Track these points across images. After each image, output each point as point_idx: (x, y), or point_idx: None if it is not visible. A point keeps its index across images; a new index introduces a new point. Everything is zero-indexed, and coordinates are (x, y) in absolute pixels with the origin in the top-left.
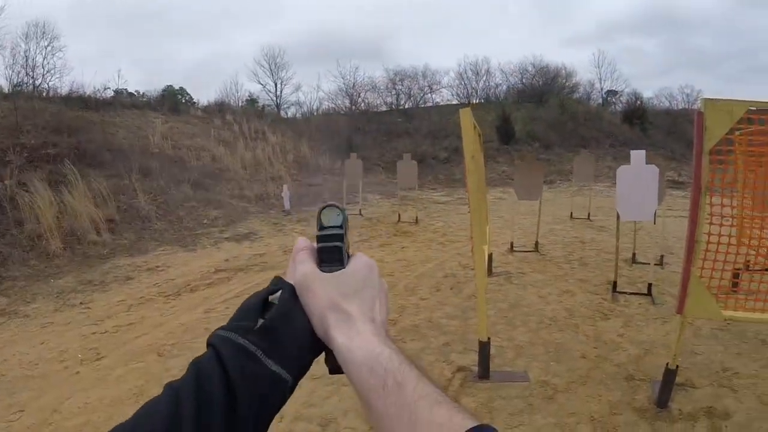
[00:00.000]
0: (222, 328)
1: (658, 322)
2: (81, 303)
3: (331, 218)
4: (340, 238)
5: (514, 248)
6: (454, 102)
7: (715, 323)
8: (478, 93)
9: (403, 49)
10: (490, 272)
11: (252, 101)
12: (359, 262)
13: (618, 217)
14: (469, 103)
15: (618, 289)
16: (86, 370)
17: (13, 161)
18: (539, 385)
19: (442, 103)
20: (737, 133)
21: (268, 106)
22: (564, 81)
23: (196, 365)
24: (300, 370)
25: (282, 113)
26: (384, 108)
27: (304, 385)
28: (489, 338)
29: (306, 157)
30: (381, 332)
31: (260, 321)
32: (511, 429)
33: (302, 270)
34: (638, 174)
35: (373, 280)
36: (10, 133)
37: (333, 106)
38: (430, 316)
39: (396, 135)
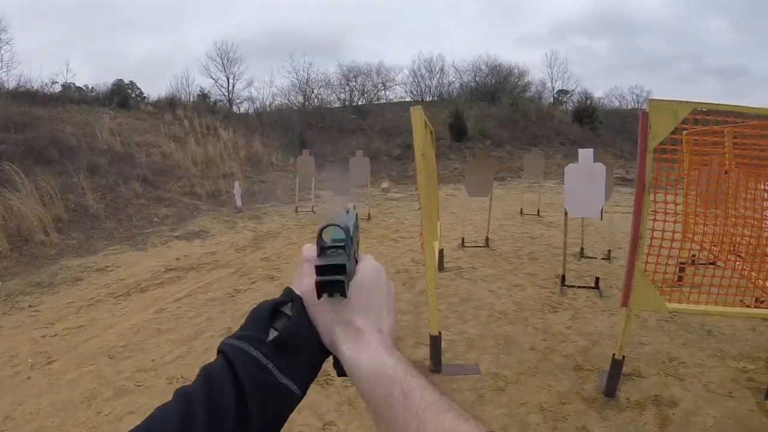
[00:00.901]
0: (234, 336)
1: (605, 314)
2: (30, 306)
3: (334, 239)
4: (343, 269)
5: (465, 244)
6: (408, 99)
7: (661, 315)
8: (432, 91)
9: (357, 46)
10: (441, 268)
11: (203, 96)
12: (367, 270)
13: (566, 213)
14: (422, 100)
15: (566, 283)
16: (37, 375)
17: None
18: (490, 377)
19: (395, 101)
20: (684, 133)
21: (220, 101)
22: (516, 80)
23: (206, 373)
24: (308, 382)
25: (234, 109)
26: (338, 104)
27: None
28: (440, 332)
29: (258, 153)
30: (387, 342)
31: (271, 332)
32: None
33: (309, 284)
34: (586, 172)
35: (380, 288)
36: None
37: (286, 101)
38: None
39: (349, 132)
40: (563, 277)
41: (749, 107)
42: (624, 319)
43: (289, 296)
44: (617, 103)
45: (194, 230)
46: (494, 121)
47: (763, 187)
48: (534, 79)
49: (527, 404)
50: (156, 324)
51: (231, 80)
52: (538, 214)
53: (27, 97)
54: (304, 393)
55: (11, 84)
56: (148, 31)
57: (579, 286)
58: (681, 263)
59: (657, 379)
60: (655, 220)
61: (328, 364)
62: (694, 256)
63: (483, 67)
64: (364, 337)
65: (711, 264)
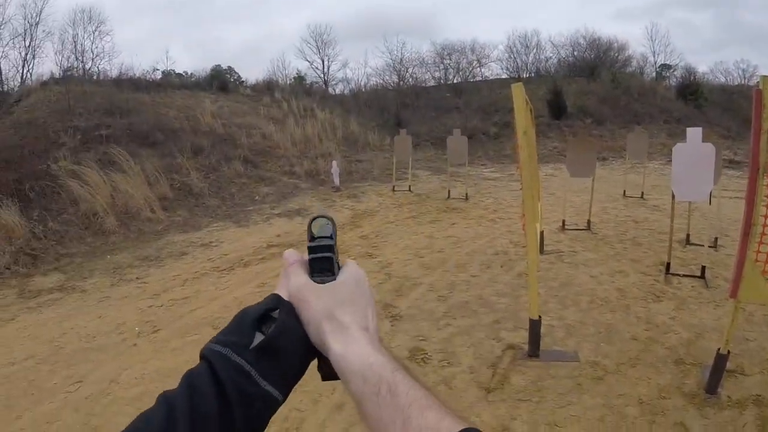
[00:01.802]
0: (216, 341)
1: (710, 305)
2: (137, 278)
3: (322, 229)
4: (331, 248)
5: (566, 226)
6: (504, 76)
7: (767, 309)
8: (528, 67)
9: (450, 25)
10: (541, 250)
11: (300, 78)
12: (350, 272)
13: (673, 196)
14: (519, 77)
15: (671, 271)
16: (143, 343)
17: (66, 143)
18: (589, 365)
19: (491, 78)
20: None
21: (316, 83)
22: (616, 54)
23: (189, 379)
24: (291, 387)
25: (330, 90)
26: (432, 83)
27: None
28: (540, 317)
29: (355, 133)
30: (375, 340)
31: (257, 336)
32: (560, 408)
33: (296, 282)
34: (694, 152)
35: (364, 290)
36: (63, 117)
37: (381, 82)
38: (481, 293)
39: (445, 110)
40: (668, 264)
41: None
42: (732, 312)
43: (277, 302)
44: (723, 79)
45: (294, 208)
46: (594, 98)
47: None
48: (635, 53)
49: (626, 396)
50: (258, 297)
51: (326, 62)
52: (642, 197)
53: (130, 84)
54: (285, 397)
55: (113, 73)
56: (243, 19)
57: (684, 275)
58: None
59: (761, 377)
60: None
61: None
62: None
63: (581, 41)
64: (351, 333)
65: None
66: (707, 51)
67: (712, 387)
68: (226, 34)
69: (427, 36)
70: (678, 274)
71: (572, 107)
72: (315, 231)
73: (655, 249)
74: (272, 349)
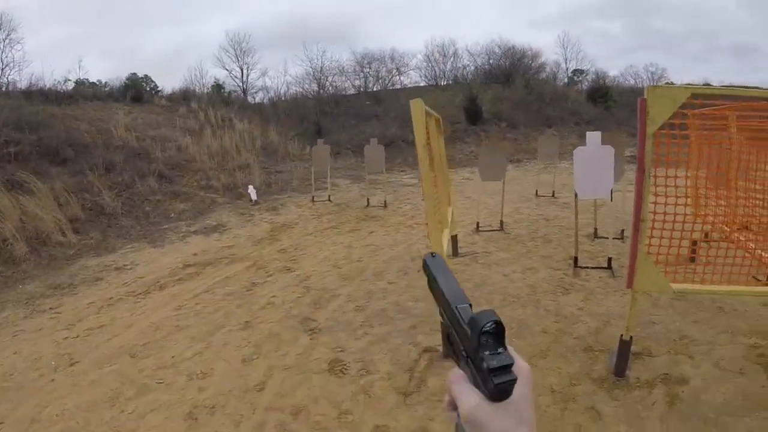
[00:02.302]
0: None
1: (617, 294)
2: (51, 308)
3: (498, 339)
4: (511, 367)
5: (480, 228)
6: (423, 84)
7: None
8: (446, 74)
9: (370, 33)
10: (456, 253)
11: (217, 87)
12: (523, 380)
13: (576, 195)
14: (437, 84)
15: (579, 264)
16: (61, 377)
17: None
18: None
19: (410, 86)
20: (692, 111)
21: (234, 92)
22: (530, 62)
23: None
24: None
25: (249, 99)
26: (352, 91)
27: (275, 375)
28: None
29: (274, 143)
30: None
31: None
32: None
33: (468, 403)
34: (594, 154)
35: (532, 397)
36: None
37: (300, 90)
38: (398, 299)
39: (365, 118)
40: (576, 258)
41: (747, 89)
42: (630, 301)
43: None
44: (632, 82)
45: (211, 224)
46: (509, 103)
47: None
48: (548, 60)
49: (538, 386)
50: (175, 321)
51: (245, 70)
52: (553, 196)
53: (40, 96)
54: None
55: (23, 84)
56: (162, 24)
57: (592, 267)
58: (694, 241)
59: (667, 357)
60: (666, 196)
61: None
62: (707, 235)
63: (496, 49)
64: None
65: (722, 241)
66: (618, 56)
67: (620, 370)
68: (143, 41)
69: (347, 44)
70: (586, 267)
71: (488, 113)
72: (483, 324)
73: (564, 245)
74: None
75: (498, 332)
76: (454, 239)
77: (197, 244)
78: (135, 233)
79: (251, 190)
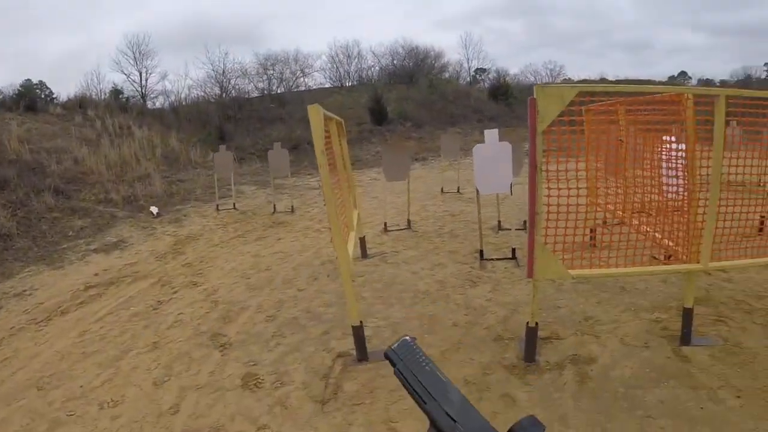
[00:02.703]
0: None
1: (523, 283)
2: None
3: None
4: None
5: (388, 228)
6: (327, 85)
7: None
8: (351, 75)
9: (273, 34)
10: (364, 254)
11: (115, 93)
12: None
13: (477, 191)
14: (342, 86)
15: (485, 257)
16: None
17: None
18: None
19: (315, 87)
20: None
21: (133, 97)
22: (433, 62)
23: None
24: None
25: (148, 104)
26: (256, 94)
27: (189, 396)
28: (361, 322)
29: (175, 150)
30: None
31: None
32: (394, 404)
33: None
34: (493, 151)
35: None
36: None
37: (202, 94)
38: (309, 306)
39: (269, 121)
40: (481, 251)
41: (630, 86)
42: (532, 290)
43: None
44: (532, 79)
45: (112, 241)
46: (413, 103)
47: (659, 150)
48: (451, 60)
49: (452, 379)
50: (80, 347)
51: (144, 74)
52: (458, 192)
53: None
54: None
55: None
56: (58, 27)
57: (497, 259)
58: (592, 228)
59: (574, 339)
60: (559, 189)
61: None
62: (604, 221)
63: (400, 50)
64: None
65: (619, 224)
66: (518, 54)
67: (529, 356)
68: (38, 45)
69: (250, 46)
70: (492, 259)
71: (393, 113)
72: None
73: (470, 239)
74: None
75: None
76: (362, 241)
77: (98, 263)
78: (33, 255)
79: (153, 209)
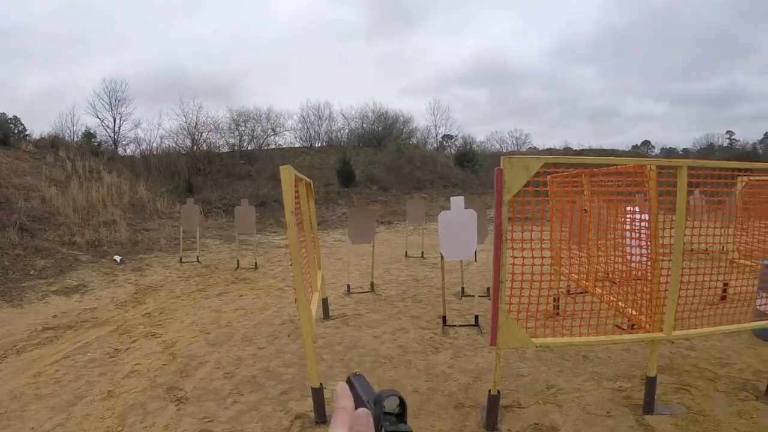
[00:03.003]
0: None
1: (485, 350)
2: None
3: (395, 407)
4: None
5: (351, 290)
6: (297, 145)
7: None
8: (321, 136)
9: (248, 91)
10: (327, 315)
11: (88, 136)
12: None
13: (442, 257)
14: (311, 146)
15: (448, 323)
16: None
17: None
18: None
19: (285, 146)
20: (550, 176)
21: (105, 142)
22: (402, 126)
23: None
24: None
25: (120, 150)
26: (226, 149)
27: None
28: (321, 383)
29: (143, 199)
30: None
31: None
32: None
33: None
34: (458, 218)
35: None
36: None
37: (173, 145)
38: (268, 365)
39: (238, 177)
40: (444, 317)
41: (593, 159)
42: (495, 358)
43: None
44: (498, 146)
45: (73, 284)
46: (381, 167)
47: (623, 219)
48: (419, 125)
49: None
50: (34, 389)
51: (118, 120)
52: (422, 256)
53: None
54: None
55: None
56: (39, 63)
57: (460, 325)
58: (556, 296)
59: (536, 407)
60: (523, 258)
61: None
62: (568, 290)
63: (370, 114)
64: None
65: (583, 293)
66: (486, 122)
67: (491, 424)
68: (16, 78)
69: (224, 100)
70: (455, 325)
71: (360, 175)
72: (389, 407)
73: (433, 304)
74: None
75: (388, 401)
76: (324, 302)
77: (58, 305)
78: None
79: (116, 257)
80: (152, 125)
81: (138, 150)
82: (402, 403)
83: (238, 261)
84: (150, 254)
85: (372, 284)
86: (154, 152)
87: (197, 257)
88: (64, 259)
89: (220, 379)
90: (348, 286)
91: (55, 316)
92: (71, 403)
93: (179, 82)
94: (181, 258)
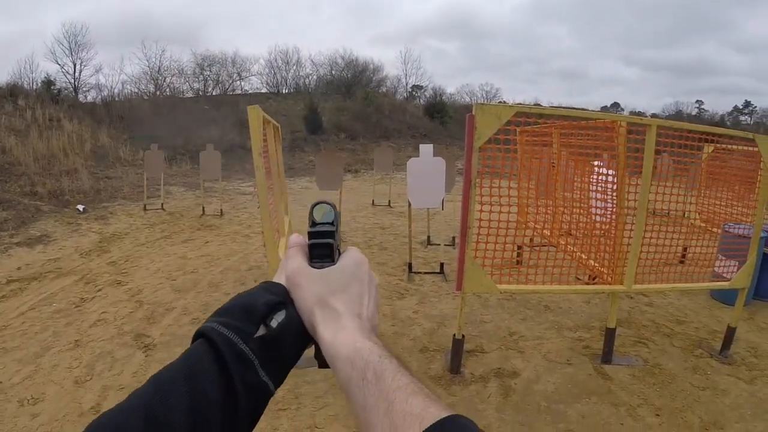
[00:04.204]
0: (219, 323)
1: (449, 297)
2: None
3: (324, 215)
4: (332, 234)
5: None
6: (264, 91)
7: (502, 294)
8: (288, 82)
9: (214, 36)
10: None
11: (48, 83)
12: (349, 258)
13: (409, 204)
14: (278, 92)
15: (413, 270)
16: None
17: None
18: None
19: (251, 92)
20: (520, 128)
21: (66, 89)
22: (372, 75)
23: (188, 360)
24: (283, 378)
25: (80, 97)
26: (191, 94)
27: (111, 396)
28: None
29: (105, 147)
30: (366, 327)
31: (261, 327)
32: (319, 411)
33: (292, 266)
34: (427, 166)
35: (361, 275)
36: None
37: (136, 90)
38: None
39: (203, 123)
40: (410, 264)
41: (567, 110)
42: (460, 303)
43: (285, 296)
44: (468, 99)
45: (36, 235)
46: (349, 115)
47: (590, 174)
48: (389, 74)
49: None
50: (0, 342)
51: (78, 66)
52: (389, 205)
53: None
54: (277, 387)
55: None
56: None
57: (425, 272)
58: (519, 246)
59: (499, 353)
60: (491, 205)
61: None
62: (532, 240)
63: (339, 60)
64: (341, 321)
65: (546, 246)
66: (455, 75)
67: (454, 367)
68: None
69: (189, 45)
70: (420, 272)
71: (328, 123)
72: (317, 217)
73: (399, 252)
74: (275, 341)
75: (316, 209)
76: None
77: (21, 256)
78: None
79: (79, 206)
80: (114, 70)
81: (99, 96)
82: (334, 211)
83: (203, 208)
84: (113, 202)
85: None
86: (117, 99)
87: (162, 204)
88: (26, 210)
89: (187, 325)
90: None
91: (18, 268)
92: (38, 354)
93: (142, 26)
94: (145, 206)
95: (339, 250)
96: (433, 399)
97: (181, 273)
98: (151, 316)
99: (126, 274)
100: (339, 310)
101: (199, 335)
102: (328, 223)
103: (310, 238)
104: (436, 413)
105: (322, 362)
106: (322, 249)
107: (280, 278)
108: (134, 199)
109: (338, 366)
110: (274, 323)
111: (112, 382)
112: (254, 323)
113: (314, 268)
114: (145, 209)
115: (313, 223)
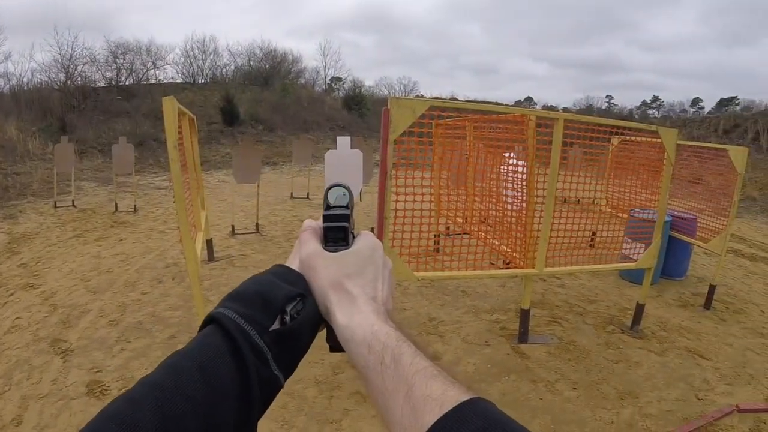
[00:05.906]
0: (236, 311)
1: None
2: None
3: (338, 198)
4: (346, 218)
5: (236, 231)
6: (179, 81)
7: (421, 282)
8: (205, 72)
9: (128, 23)
10: (211, 257)
11: None
12: (363, 241)
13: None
14: (194, 82)
15: None
16: None
17: None
18: None
19: (165, 81)
20: (436, 121)
21: None
22: (290, 66)
23: (203, 348)
24: (293, 372)
25: None
26: (103, 83)
27: (32, 406)
28: None
29: (13, 139)
30: (381, 310)
31: (277, 321)
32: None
33: (306, 249)
34: (344, 158)
35: (376, 259)
36: None
37: (46, 79)
38: (154, 310)
39: (115, 114)
40: None
41: (478, 104)
42: None
43: (303, 290)
44: (386, 92)
45: None
46: (267, 106)
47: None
48: (308, 66)
49: (303, 380)
50: None
51: None
52: (308, 197)
53: None
54: (286, 380)
55: None
56: None
57: None
58: (437, 235)
59: (419, 338)
60: (406, 195)
61: None
62: (448, 228)
63: (257, 50)
64: (357, 304)
65: (462, 234)
66: (374, 68)
67: None
68: None
69: (102, 33)
70: None
71: (245, 114)
72: (331, 200)
73: None
74: (291, 334)
75: (330, 192)
76: (209, 243)
77: None
78: None
79: None
80: (23, 58)
81: (7, 86)
82: (349, 194)
83: (116, 204)
84: (22, 200)
85: (257, 225)
86: (25, 88)
87: (73, 201)
88: None
89: (105, 327)
90: (233, 227)
91: None
92: None
93: (54, 12)
94: (55, 203)
95: (353, 233)
96: (453, 382)
97: (96, 273)
98: (66, 320)
99: (38, 276)
100: (354, 294)
101: (210, 320)
102: (342, 207)
103: (324, 221)
104: (456, 396)
105: (334, 346)
106: (337, 232)
107: (293, 262)
108: (44, 196)
109: (354, 349)
110: (289, 317)
111: (32, 391)
112: (271, 316)
113: (329, 251)
114: (55, 206)
115: (328, 206)
